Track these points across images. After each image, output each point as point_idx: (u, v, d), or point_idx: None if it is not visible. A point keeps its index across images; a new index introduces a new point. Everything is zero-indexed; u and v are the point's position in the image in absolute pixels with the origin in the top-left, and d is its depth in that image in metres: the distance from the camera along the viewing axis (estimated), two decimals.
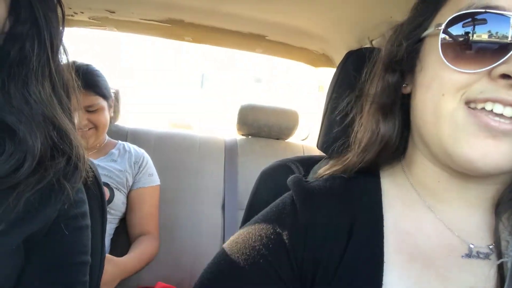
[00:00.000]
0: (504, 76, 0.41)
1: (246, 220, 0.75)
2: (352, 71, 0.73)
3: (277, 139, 1.95)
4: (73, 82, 0.64)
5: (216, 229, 1.68)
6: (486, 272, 0.47)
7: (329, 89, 0.79)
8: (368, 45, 1.37)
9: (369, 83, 0.58)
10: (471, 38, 0.44)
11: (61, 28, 0.59)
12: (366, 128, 0.57)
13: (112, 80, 1.56)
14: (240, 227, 0.74)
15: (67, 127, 0.59)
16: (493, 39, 0.43)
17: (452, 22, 0.46)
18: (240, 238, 0.54)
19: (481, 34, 0.44)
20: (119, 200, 1.42)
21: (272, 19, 1.44)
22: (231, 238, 0.56)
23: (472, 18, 0.44)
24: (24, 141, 0.53)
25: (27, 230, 0.52)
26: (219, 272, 0.52)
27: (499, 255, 0.48)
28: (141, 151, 1.56)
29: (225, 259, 0.52)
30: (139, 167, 1.50)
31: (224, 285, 0.50)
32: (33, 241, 0.54)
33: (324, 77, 1.98)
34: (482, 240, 0.50)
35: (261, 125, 1.87)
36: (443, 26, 0.46)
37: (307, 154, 1.91)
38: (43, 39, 0.56)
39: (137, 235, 1.46)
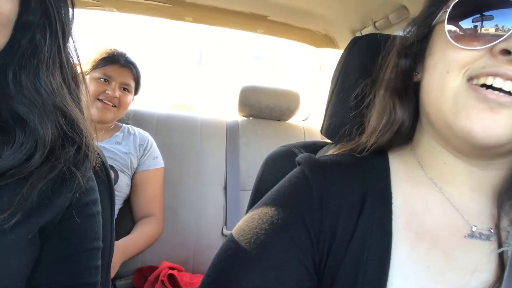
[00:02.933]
0: (504, 52, 0.45)
1: (252, 204, 0.77)
2: (358, 57, 0.73)
3: (278, 120, 1.96)
4: (81, 70, 0.64)
5: (218, 209, 1.70)
6: (487, 253, 0.50)
7: (334, 74, 0.79)
8: (371, 27, 1.36)
9: (384, 68, 0.61)
10: (475, 19, 0.48)
11: (71, 16, 0.59)
12: (381, 112, 0.59)
13: None
14: (247, 211, 0.75)
15: (77, 116, 0.59)
16: (495, 21, 0.46)
17: (458, 4, 0.49)
18: (256, 214, 0.54)
19: (484, 16, 0.47)
20: (123, 182, 1.43)
21: None
22: (246, 216, 0.56)
23: (477, 1, 0.48)
24: (35, 131, 0.53)
25: (42, 220, 0.53)
26: (240, 249, 0.52)
27: (499, 241, 0.50)
28: (146, 134, 1.57)
29: (244, 236, 0.53)
30: (144, 150, 1.51)
31: (245, 262, 0.51)
32: (48, 229, 0.55)
33: (325, 57, 1.97)
34: (483, 224, 0.52)
35: (263, 106, 1.87)
36: (450, 8, 0.49)
37: (307, 135, 1.92)
38: (55, 29, 0.55)
39: (141, 217, 1.49)
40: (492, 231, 0.51)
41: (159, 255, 1.54)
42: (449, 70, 0.49)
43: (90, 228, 0.61)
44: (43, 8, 0.54)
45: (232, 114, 2.02)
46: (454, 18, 0.49)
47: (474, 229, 0.51)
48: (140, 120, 1.75)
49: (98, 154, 0.69)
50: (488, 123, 0.45)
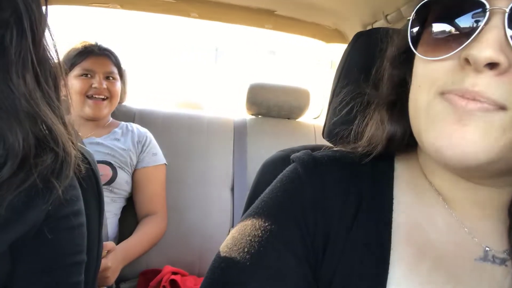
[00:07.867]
0: (467, 61, 0.38)
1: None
2: (362, 54, 0.67)
3: (288, 118, 1.90)
4: (61, 68, 0.60)
5: (225, 210, 1.66)
6: (500, 279, 0.44)
7: (335, 73, 0.73)
8: (382, 20, 1.29)
9: (380, 78, 0.55)
10: (437, 26, 0.42)
11: (44, 12, 0.55)
12: (371, 123, 0.54)
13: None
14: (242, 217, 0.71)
15: (53, 122, 0.55)
16: (458, 26, 0.40)
17: (420, 12, 0.44)
18: (249, 220, 0.51)
19: (446, 21, 0.41)
20: (122, 179, 1.40)
21: None
22: (240, 222, 0.52)
23: (439, 5, 0.43)
24: (4, 138, 0.50)
25: (12, 236, 0.50)
26: (234, 262, 0.48)
27: None
28: (144, 130, 1.54)
29: (237, 245, 0.49)
30: (143, 146, 1.48)
31: (240, 276, 0.47)
32: (20, 245, 0.52)
33: (336, 52, 1.90)
34: (496, 244, 0.46)
35: (271, 104, 1.81)
36: (412, 17, 0.44)
37: (318, 134, 1.86)
38: (23, 28, 0.51)
39: (144, 215, 1.46)
40: (507, 253, 0.45)
41: (164, 258, 1.52)
42: (420, 85, 0.44)
43: (70, 242, 0.57)
44: (13, 4, 0.50)
45: (240, 112, 1.97)
46: (419, 26, 0.44)
47: (487, 249, 0.45)
48: (145, 119, 1.72)
49: (87, 159, 0.65)
50: (456, 139, 0.39)
